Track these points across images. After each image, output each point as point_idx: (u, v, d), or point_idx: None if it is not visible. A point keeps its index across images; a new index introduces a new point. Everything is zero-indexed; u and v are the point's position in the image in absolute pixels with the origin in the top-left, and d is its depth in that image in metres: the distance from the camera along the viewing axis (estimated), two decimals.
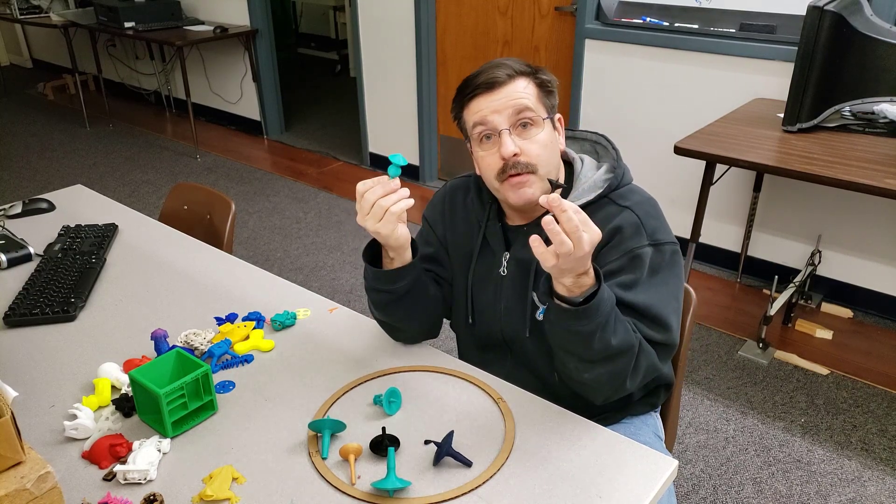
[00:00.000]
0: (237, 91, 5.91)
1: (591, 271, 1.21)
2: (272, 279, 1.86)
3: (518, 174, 1.37)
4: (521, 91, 1.37)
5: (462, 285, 1.56)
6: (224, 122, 6.20)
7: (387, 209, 1.28)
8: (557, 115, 1.45)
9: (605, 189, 1.42)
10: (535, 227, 1.44)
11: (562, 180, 1.47)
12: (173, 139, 5.89)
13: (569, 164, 1.51)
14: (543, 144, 1.38)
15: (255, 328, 1.61)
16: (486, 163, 1.40)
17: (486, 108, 1.37)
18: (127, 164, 5.32)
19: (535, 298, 1.45)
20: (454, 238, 1.59)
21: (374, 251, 1.45)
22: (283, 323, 1.63)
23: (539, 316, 1.45)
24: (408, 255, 1.43)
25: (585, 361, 1.29)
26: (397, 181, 1.29)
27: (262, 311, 1.69)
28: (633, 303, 1.32)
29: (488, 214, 1.52)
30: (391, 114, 4.91)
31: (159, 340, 1.49)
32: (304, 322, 1.66)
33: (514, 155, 1.36)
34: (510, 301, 1.49)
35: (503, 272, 1.49)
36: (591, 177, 1.45)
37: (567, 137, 1.55)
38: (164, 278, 1.86)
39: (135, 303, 1.75)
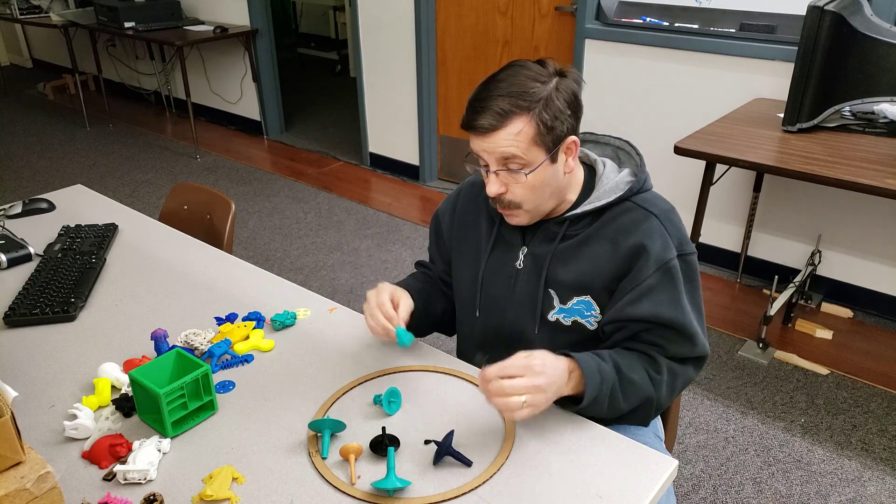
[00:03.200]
0: (237, 91, 5.91)
1: (573, 376, 1.30)
2: (272, 279, 1.86)
3: (505, 208, 1.42)
4: (512, 139, 1.32)
5: (471, 277, 1.56)
6: (224, 122, 6.20)
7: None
8: (571, 139, 1.38)
9: (626, 192, 1.42)
10: (554, 224, 1.45)
11: (575, 194, 1.47)
12: (173, 139, 5.89)
13: (590, 168, 1.51)
14: (531, 186, 1.36)
15: (255, 328, 1.61)
16: (484, 182, 1.42)
17: (478, 146, 1.36)
18: (127, 164, 5.32)
19: (553, 297, 1.45)
20: (463, 231, 1.59)
21: None
22: (283, 323, 1.63)
23: (551, 316, 1.46)
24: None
25: (608, 419, 1.38)
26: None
27: (261, 310, 1.69)
28: (671, 321, 1.36)
29: None
30: (391, 114, 4.91)
31: (159, 340, 1.49)
32: (303, 322, 1.66)
33: (499, 194, 1.38)
34: (522, 295, 1.49)
35: (519, 265, 1.49)
36: (613, 178, 1.45)
37: (589, 141, 1.56)
38: (164, 278, 1.86)
39: (135, 303, 1.75)
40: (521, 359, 1.22)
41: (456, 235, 1.60)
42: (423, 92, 4.64)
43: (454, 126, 4.70)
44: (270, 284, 1.83)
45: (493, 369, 1.21)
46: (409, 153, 4.93)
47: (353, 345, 1.56)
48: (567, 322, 1.45)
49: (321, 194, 4.77)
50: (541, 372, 1.21)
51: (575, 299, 1.43)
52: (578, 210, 1.43)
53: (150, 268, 1.92)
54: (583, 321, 1.44)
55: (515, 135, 1.31)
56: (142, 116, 6.48)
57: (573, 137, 1.38)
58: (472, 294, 1.56)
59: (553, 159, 1.36)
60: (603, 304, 1.42)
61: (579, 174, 1.48)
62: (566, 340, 1.46)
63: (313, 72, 8.05)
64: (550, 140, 1.34)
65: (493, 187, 1.37)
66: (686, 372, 1.42)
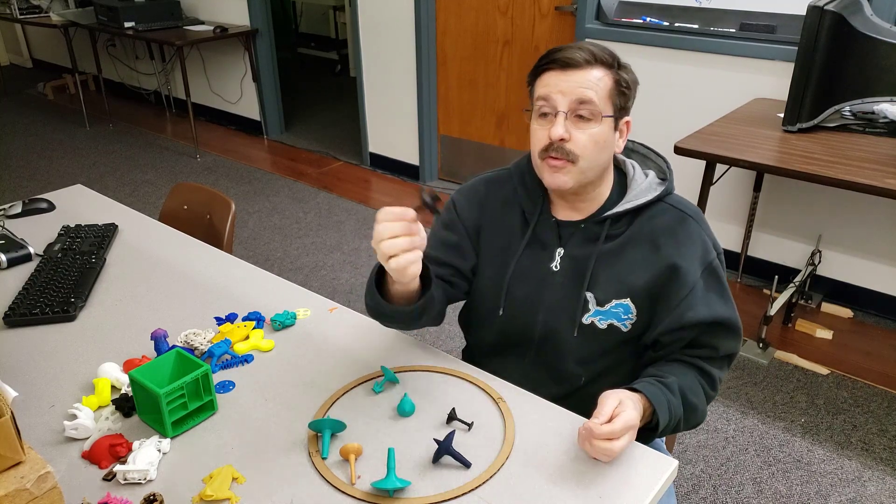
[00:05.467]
0: (237, 91, 5.91)
1: (640, 410, 1.27)
2: (272, 279, 1.86)
3: (558, 158, 1.37)
4: (594, 82, 1.34)
5: (496, 276, 1.52)
6: (224, 121, 6.20)
7: (399, 253, 1.19)
8: (626, 119, 1.42)
9: (662, 192, 1.43)
10: (594, 224, 1.44)
11: (608, 190, 1.46)
12: (173, 139, 5.89)
13: (618, 171, 1.51)
14: (594, 140, 1.36)
15: (254, 328, 1.61)
16: (536, 136, 1.40)
17: (553, 86, 1.35)
18: (127, 164, 5.32)
19: (589, 299, 1.44)
20: (490, 228, 1.54)
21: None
22: (283, 323, 1.63)
23: (586, 319, 1.44)
24: (414, 285, 1.35)
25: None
26: (418, 224, 1.20)
27: (261, 310, 1.69)
28: (727, 319, 1.39)
29: (541, 208, 1.50)
30: (391, 113, 4.91)
31: (159, 340, 1.49)
32: (303, 322, 1.66)
33: (561, 140, 1.35)
34: (558, 298, 1.46)
35: (555, 267, 1.47)
36: (645, 180, 1.46)
37: None
38: (163, 278, 1.86)
39: (134, 303, 1.75)
40: (620, 419, 1.19)
41: (482, 233, 1.55)
42: (424, 91, 4.64)
43: (454, 125, 4.70)
44: (270, 284, 1.83)
45: (602, 432, 1.18)
46: (409, 153, 4.93)
47: (354, 345, 1.56)
48: (602, 325, 1.44)
49: (321, 194, 4.78)
50: (634, 422, 1.21)
51: (614, 302, 1.42)
52: (620, 208, 1.42)
53: (150, 268, 1.92)
54: (618, 324, 1.44)
55: (597, 80, 1.35)
56: (142, 116, 6.48)
57: (629, 118, 1.43)
58: (496, 294, 1.52)
59: (616, 125, 1.40)
60: (641, 308, 1.42)
61: (612, 171, 1.48)
62: (599, 344, 1.46)
63: (313, 72, 8.05)
64: (620, 104, 1.38)
65: (558, 129, 1.34)
66: (723, 372, 1.46)
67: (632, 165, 1.50)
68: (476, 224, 1.55)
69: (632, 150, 1.56)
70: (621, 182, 1.49)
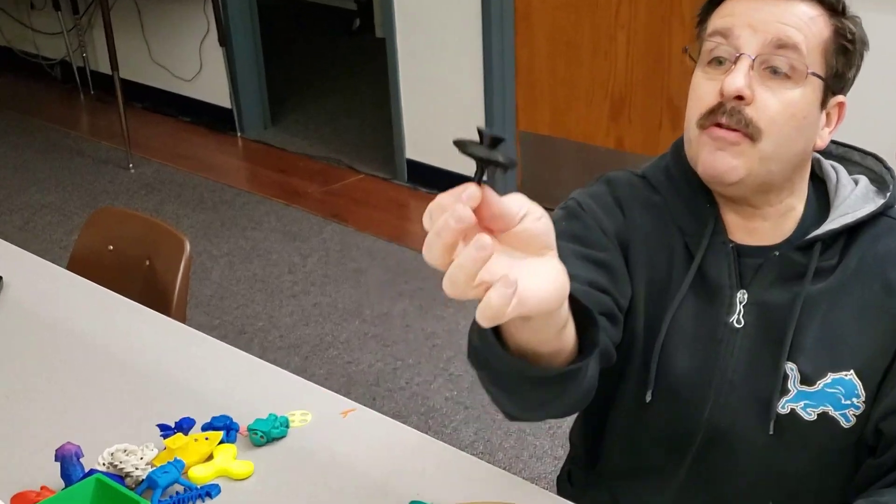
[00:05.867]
0: (194, 61, 6.00)
1: None
2: (249, 363, 1.88)
3: (727, 127, 1.34)
4: (803, 20, 1.34)
5: (644, 335, 1.49)
6: (173, 110, 6.30)
7: (471, 277, 0.91)
8: (839, 99, 1.43)
9: (884, 203, 1.41)
10: (794, 252, 1.42)
11: (802, 202, 1.46)
12: (91, 137, 6.00)
13: (813, 178, 1.50)
14: (789, 109, 1.35)
15: (222, 442, 1.62)
16: (699, 92, 1.39)
17: (739, 18, 1.35)
18: (17, 179, 5.43)
19: (790, 374, 1.41)
20: (636, 247, 1.51)
21: None
22: (268, 434, 1.63)
23: (783, 407, 1.42)
24: (559, 320, 1.05)
25: None
26: (470, 213, 0.94)
27: (233, 414, 1.69)
28: None
29: (713, 228, 1.47)
30: (441, 98, 4.94)
31: (69, 462, 1.50)
32: (301, 432, 1.66)
33: (738, 97, 1.33)
34: (740, 372, 1.45)
35: (737, 323, 1.45)
36: (857, 187, 1.45)
37: None
38: (76, 361, 1.88)
39: (29, 400, 1.77)
40: None
41: (631, 255, 1.50)
42: (494, 63, 4.66)
43: (542, 117, 4.70)
44: (247, 372, 1.85)
45: None
46: (468, 161, 4.91)
47: (379, 468, 1.56)
48: (809, 416, 1.42)
49: (329, 226, 4.81)
50: None
51: (829, 377, 1.40)
52: (833, 225, 1.40)
53: (55, 344, 1.94)
54: (835, 414, 1.41)
55: (808, 19, 1.34)
56: (41, 101, 6.62)
57: (842, 99, 1.43)
58: (642, 366, 1.50)
59: (824, 100, 1.39)
60: (871, 386, 1.40)
61: (808, 176, 1.47)
62: (802, 448, 1.44)
63: (317, 31, 8.17)
64: (837, 67, 1.39)
65: (737, 78, 1.32)
66: None
67: (832, 167, 1.49)
68: (621, 234, 1.50)
69: (829, 151, 1.55)
70: (818, 194, 1.48)
